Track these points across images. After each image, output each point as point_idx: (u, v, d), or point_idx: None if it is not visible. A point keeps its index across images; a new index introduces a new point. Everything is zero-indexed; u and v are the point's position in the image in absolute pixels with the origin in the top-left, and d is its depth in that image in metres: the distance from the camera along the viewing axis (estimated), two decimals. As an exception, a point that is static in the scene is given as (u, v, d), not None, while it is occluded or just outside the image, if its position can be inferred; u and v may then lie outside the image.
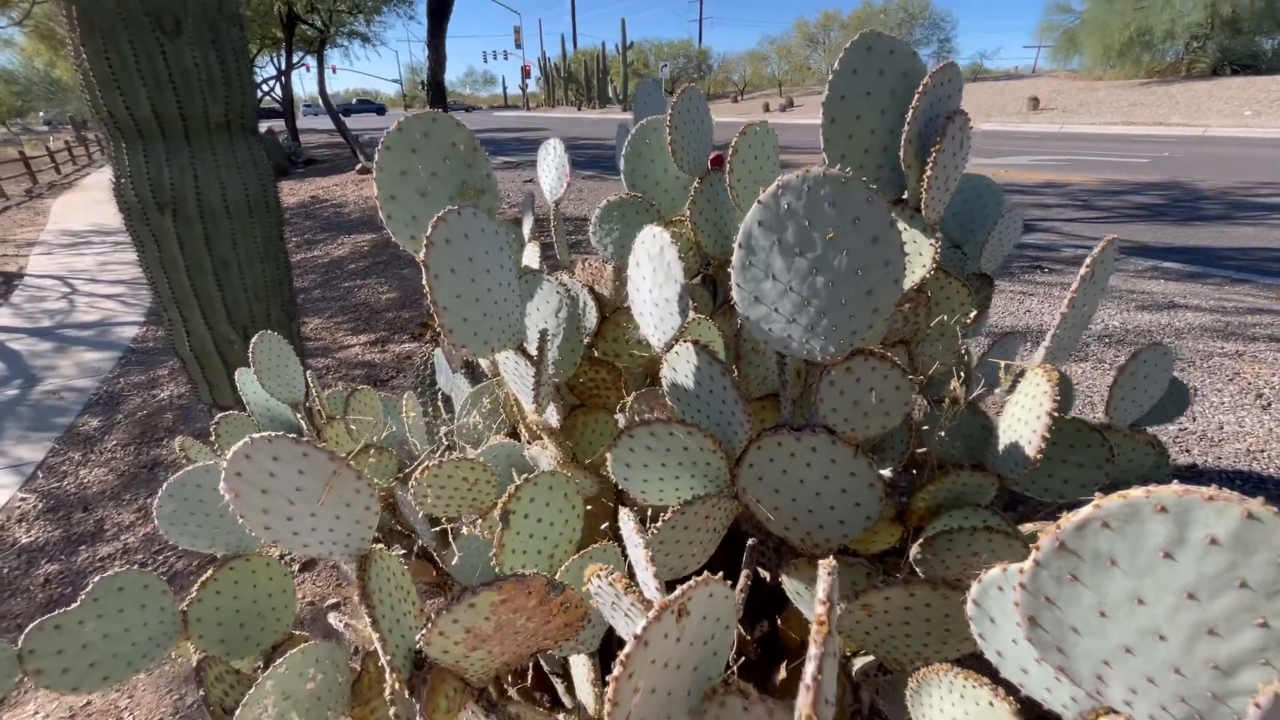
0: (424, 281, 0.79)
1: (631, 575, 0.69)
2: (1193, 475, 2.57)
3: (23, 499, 3.36)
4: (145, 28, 2.32)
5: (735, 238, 0.74)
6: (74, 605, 0.94)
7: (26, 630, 0.90)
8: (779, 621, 1.17)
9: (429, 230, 0.78)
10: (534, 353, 0.94)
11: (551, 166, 1.49)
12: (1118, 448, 1.15)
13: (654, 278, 0.93)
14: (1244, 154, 12.32)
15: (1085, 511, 0.46)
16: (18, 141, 27.55)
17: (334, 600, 2.50)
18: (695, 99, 1.23)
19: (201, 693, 0.94)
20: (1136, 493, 0.44)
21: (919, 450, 1.17)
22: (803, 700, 0.39)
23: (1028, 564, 0.50)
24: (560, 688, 1.36)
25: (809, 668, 0.40)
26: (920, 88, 0.91)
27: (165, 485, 1.05)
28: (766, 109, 35.23)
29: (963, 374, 1.09)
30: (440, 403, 1.73)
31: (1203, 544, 0.42)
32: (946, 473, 0.99)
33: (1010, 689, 0.61)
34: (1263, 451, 2.65)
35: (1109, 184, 9.36)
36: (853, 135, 0.96)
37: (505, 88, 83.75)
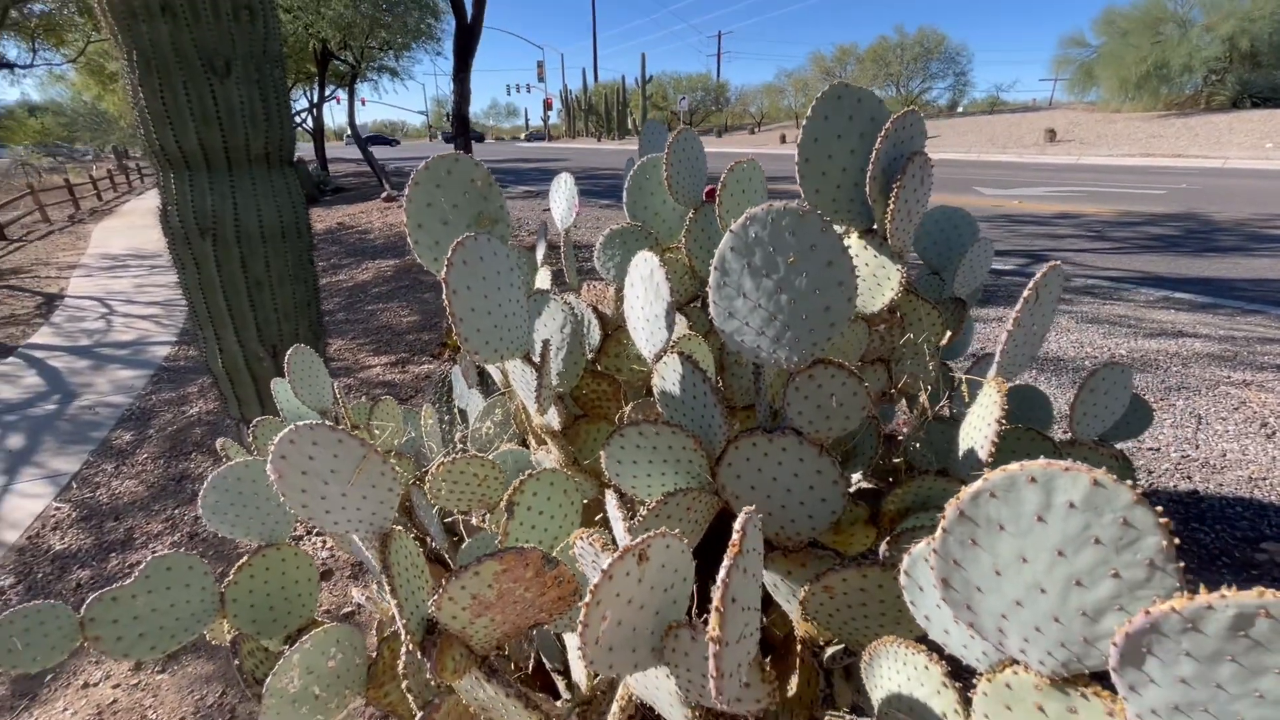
0: (444, 296, 0.91)
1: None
2: (1193, 501, 2.59)
3: (57, 508, 3.52)
4: (198, 70, 2.54)
5: (712, 261, 0.86)
6: (128, 581, 1.06)
7: (88, 601, 1.02)
8: (763, 619, 1.25)
9: (449, 252, 0.91)
10: (538, 361, 1.06)
11: (563, 198, 1.64)
12: (1083, 461, 1.23)
13: (645, 296, 1.05)
14: (1264, 186, 12.26)
15: (977, 484, 0.56)
16: (63, 169, 28.89)
17: (348, 610, 2.60)
18: (690, 139, 1.36)
19: (236, 662, 1.05)
20: (1014, 467, 0.53)
21: (895, 460, 1.26)
22: (715, 596, 0.48)
23: (938, 532, 0.59)
24: (561, 685, 1.44)
25: (720, 573, 0.50)
26: (883, 131, 1.03)
27: (209, 478, 1.18)
28: (783, 140, 35.78)
29: (929, 388, 1.18)
30: (456, 414, 1.85)
31: (1064, 508, 0.52)
32: (913, 478, 1.08)
33: (941, 653, 0.69)
34: (1265, 479, 2.66)
35: (1124, 215, 9.39)
36: (825, 172, 1.08)
37: (527, 119, 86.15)
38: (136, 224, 14.95)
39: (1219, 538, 2.37)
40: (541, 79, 64.47)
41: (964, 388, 1.07)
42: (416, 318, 6.09)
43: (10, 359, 5.92)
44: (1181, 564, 0.49)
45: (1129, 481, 0.49)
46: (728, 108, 59.01)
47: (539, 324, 1.30)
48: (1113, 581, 0.51)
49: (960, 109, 46.03)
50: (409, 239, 1.03)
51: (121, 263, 10.60)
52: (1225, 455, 2.86)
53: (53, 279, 9.60)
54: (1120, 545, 0.50)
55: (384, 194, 14.78)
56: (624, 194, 1.47)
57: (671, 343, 1.06)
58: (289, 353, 1.51)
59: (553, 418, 1.19)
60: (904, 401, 1.54)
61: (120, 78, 2.72)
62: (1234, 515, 2.49)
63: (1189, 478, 2.74)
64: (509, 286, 1.02)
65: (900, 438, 1.26)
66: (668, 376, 1.04)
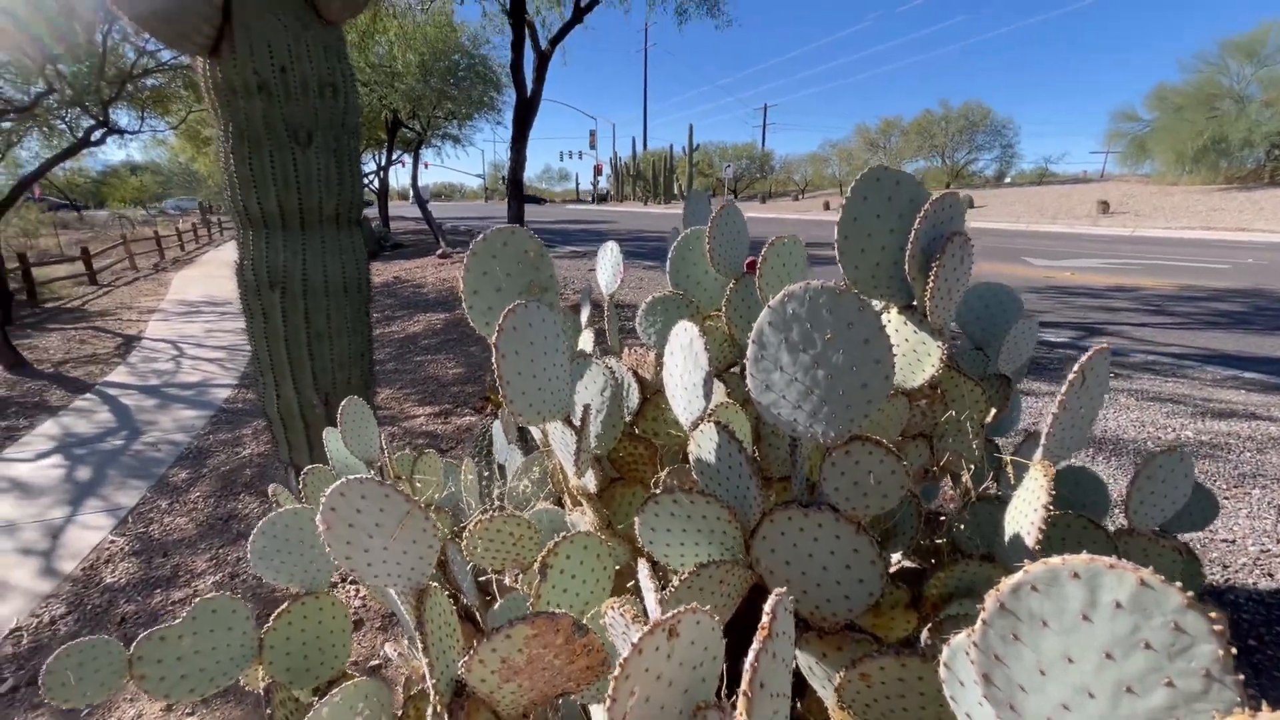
0: (493, 360, 0.96)
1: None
2: (1276, 601, 2.38)
3: (112, 541, 3.67)
4: (284, 140, 2.79)
5: (750, 334, 0.88)
6: (176, 621, 1.10)
7: (138, 639, 1.06)
8: (798, 705, 1.20)
9: (501, 319, 0.97)
10: (578, 424, 1.09)
11: (609, 265, 1.71)
12: (1143, 552, 1.16)
13: (684, 365, 1.08)
14: (1338, 263, 11.68)
15: (1018, 576, 0.54)
16: (154, 222, 31.59)
17: (375, 663, 2.59)
18: (733, 214, 1.42)
19: (269, 711, 1.06)
20: (1055, 560, 0.52)
21: (938, 540, 1.21)
22: (744, 680, 0.48)
23: (978, 624, 0.57)
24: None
25: (749, 656, 0.49)
26: (922, 212, 1.05)
27: (260, 524, 1.23)
28: (827, 207, 36.28)
29: (973, 467, 1.15)
30: (495, 469, 1.89)
31: (1110, 607, 0.50)
32: (956, 562, 1.04)
33: (986, 756, 0.66)
34: (1358, 580, 2.43)
35: (1185, 289, 9.06)
36: (865, 250, 1.11)
37: (578, 184, 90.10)
38: (213, 273, 16.05)
39: (1308, 644, 2.15)
40: (593, 146, 67.67)
41: (1009, 468, 1.04)
42: (461, 370, 6.26)
43: (87, 395, 6.32)
44: (1240, 676, 0.46)
45: (1178, 584, 0.47)
46: (771, 175, 60.47)
47: (580, 386, 1.34)
48: (1167, 691, 0.49)
49: (1008, 179, 45.90)
50: (464, 304, 1.10)
51: (195, 308, 11.33)
52: (1310, 552, 2.63)
53: (133, 321, 10.31)
54: (1173, 652, 0.48)
55: (439, 250, 15.53)
56: (668, 263, 1.53)
57: (709, 411, 1.07)
58: (343, 404, 1.58)
59: (589, 480, 1.21)
60: (949, 479, 1.50)
61: (214, 144, 3.01)
62: (1324, 620, 2.27)
63: (1270, 575, 2.52)
64: (554, 351, 1.06)
65: (944, 517, 1.22)
66: (704, 445, 1.05)
